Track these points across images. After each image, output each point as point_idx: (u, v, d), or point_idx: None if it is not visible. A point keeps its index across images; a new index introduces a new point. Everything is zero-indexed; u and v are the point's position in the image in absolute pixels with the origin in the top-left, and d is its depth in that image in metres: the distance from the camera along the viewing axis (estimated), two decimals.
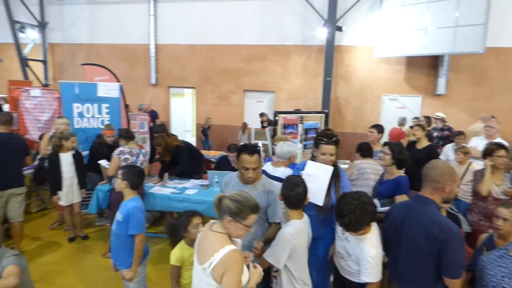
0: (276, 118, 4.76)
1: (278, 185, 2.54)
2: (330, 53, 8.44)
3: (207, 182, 4.53)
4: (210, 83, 10.34)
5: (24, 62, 10.22)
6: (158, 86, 10.83)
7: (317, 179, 2.44)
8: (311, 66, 9.49)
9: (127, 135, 4.12)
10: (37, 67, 11.06)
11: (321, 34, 8.81)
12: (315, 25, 9.06)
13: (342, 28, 8.53)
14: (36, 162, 5.12)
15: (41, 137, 5.40)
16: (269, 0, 9.52)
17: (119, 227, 2.60)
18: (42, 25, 11.08)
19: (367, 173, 3.65)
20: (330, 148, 2.49)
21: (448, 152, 4.82)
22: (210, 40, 10.11)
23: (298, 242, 2.16)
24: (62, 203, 4.41)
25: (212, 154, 6.69)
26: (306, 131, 4.93)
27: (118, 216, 2.61)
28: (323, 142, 2.51)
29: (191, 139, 11.38)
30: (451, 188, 1.88)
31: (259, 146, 2.44)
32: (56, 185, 4.33)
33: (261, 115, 8.93)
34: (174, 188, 4.33)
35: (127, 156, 3.96)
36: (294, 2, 9.29)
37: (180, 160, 4.51)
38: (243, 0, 9.72)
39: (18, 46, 10.13)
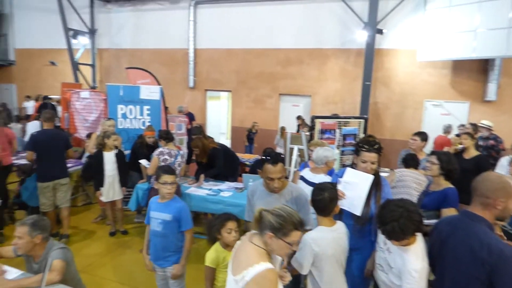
0: (313, 123, 4.70)
1: (309, 191, 2.49)
2: (369, 56, 8.21)
3: (242, 185, 4.56)
4: (246, 86, 10.45)
5: (75, 66, 10.95)
6: (196, 89, 11.11)
7: (355, 187, 2.35)
8: (349, 70, 9.29)
9: (167, 136, 4.26)
10: (86, 71, 11.79)
11: (360, 37, 8.60)
12: (354, 28, 8.86)
13: (383, 31, 8.27)
14: (84, 160, 5.45)
15: (88, 135, 5.75)
16: (307, 3, 9.47)
17: (167, 226, 2.66)
18: (92, 32, 11.82)
19: (406, 181, 3.49)
20: (371, 156, 2.38)
21: (504, 164, 4.46)
22: (247, 44, 10.23)
23: (321, 249, 2.09)
24: (103, 199, 4.65)
25: (247, 157, 6.73)
26: (344, 137, 4.81)
27: (165, 216, 2.66)
28: (364, 149, 2.41)
29: (226, 141, 11.54)
30: (504, 204, 1.68)
31: (282, 155, 2.38)
32: (99, 181, 4.58)
33: (298, 118, 8.83)
34: (210, 189, 4.41)
35: (166, 156, 4.09)
36: (333, 5, 9.16)
37: (216, 162, 4.59)
38: (281, 4, 9.74)
39: (70, 51, 10.88)
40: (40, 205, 4.43)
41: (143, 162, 4.58)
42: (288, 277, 1.80)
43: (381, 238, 2.15)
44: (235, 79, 10.53)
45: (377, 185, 2.44)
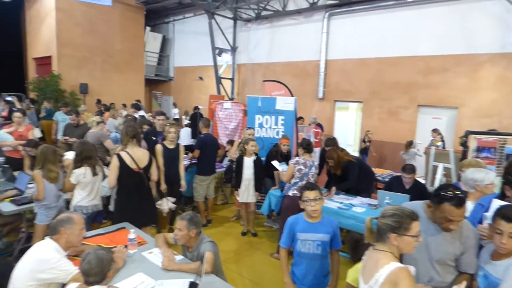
0: (466, 139, 4.06)
1: (473, 228, 2.11)
2: None
3: (376, 202, 4.30)
4: (378, 97, 9.88)
5: (218, 80, 12.48)
6: (325, 100, 11.13)
7: None
8: (510, 78, 7.73)
9: (307, 147, 4.28)
10: (226, 84, 13.27)
11: None
12: None
13: None
14: (226, 163, 6.13)
15: (229, 142, 6.43)
16: (454, 5, 8.35)
17: (326, 247, 2.60)
18: (233, 49, 13.27)
19: None
20: None
21: None
22: (381, 53, 9.69)
23: None
24: (239, 199, 5.09)
25: (379, 172, 6.31)
26: (508, 157, 3.99)
27: (323, 236, 2.59)
28: None
29: (353, 154, 11.13)
30: None
31: (465, 195, 1.94)
32: (238, 183, 5.04)
33: (434, 131, 7.80)
34: (341, 203, 4.31)
35: (301, 166, 4.18)
36: (488, 4, 7.83)
37: (349, 175, 4.46)
38: (422, 8, 8.88)
39: (216, 67, 12.46)
40: (196, 195, 5.38)
41: (275, 163, 4.74)
42: None
43: None
44: (367, 89, 10.10)
45: None
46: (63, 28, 12.61)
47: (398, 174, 4.53)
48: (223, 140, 7.44)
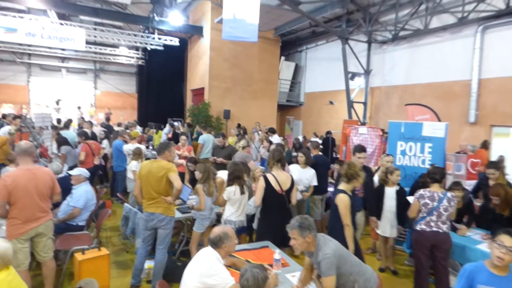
0: None
1: None
2: None
3: None
4: None
5: (350, 104, 12.24)
6: (477, 124, 9.56)
7: None
8: None
9: (432, 176, 3.75)
10: (358, 108, 12.90)
11: None
12: None
13: None
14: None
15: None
16: None
17: None
18: (367, 72, 12.89)
19: None
20: None
21: None
22: None
23: None
24: (380, 232, 4.75)
25: None
26: None
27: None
28: None
29: None
30: None
31: None
32: (378, 214, 4.70)
33: None
34: None
35: (427, 200, 3.63)
36: None
37: None
38: None
39: (348, 91, 12.30)
40: (312, 214, 5.36)
41: (411, 199, 4.27)
42: None
43: None
44: None
45: None
46: (214, 63, 14.75)
47: None
48: None
